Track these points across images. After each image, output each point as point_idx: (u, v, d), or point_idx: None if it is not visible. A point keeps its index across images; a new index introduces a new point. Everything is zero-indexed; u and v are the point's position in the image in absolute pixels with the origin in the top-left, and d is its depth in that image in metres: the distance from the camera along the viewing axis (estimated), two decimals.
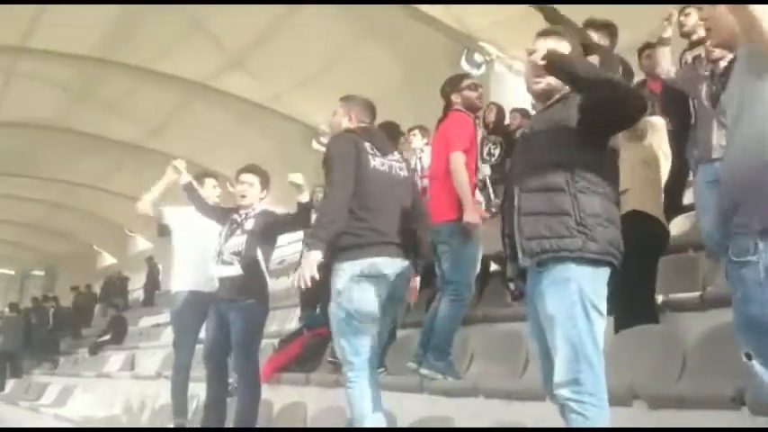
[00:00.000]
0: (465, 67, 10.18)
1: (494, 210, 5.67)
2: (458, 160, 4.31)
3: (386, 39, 10.68)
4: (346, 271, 3.39)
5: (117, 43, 11.77)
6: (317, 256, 3.21)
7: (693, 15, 4.68)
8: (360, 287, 3.41)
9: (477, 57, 10.49)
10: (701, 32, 4.38)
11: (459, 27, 10.28)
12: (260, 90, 12.75)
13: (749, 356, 2.05)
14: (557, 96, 2.71)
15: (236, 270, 4.63)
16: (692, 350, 3.30)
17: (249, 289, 4.65)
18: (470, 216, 4.25)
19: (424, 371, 4.30)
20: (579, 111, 2.57)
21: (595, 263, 2.51)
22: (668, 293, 4.09)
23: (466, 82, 4.67)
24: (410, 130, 6.20)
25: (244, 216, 4.82)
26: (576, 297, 2.46)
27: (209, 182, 5.63)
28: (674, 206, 5.34)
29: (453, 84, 4.66)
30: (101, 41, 11.72)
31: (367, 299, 3.42)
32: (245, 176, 4.89)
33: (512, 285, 2.81)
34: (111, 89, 13.41)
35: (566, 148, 2.55)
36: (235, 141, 13.93)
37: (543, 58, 2.57)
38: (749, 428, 2.27)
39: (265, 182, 4.94)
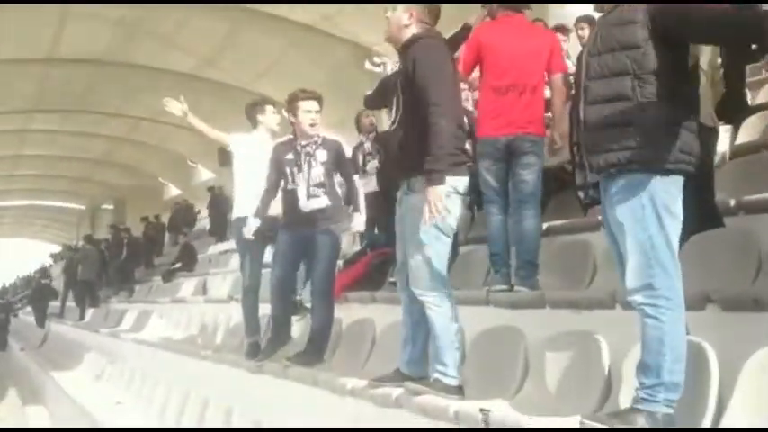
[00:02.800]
0: None
1: None
2: None
3: None
4: (444, 189, 3.29)
5: None
6: (442, 189, 3.18)
7: None
8: (456, 204, 3.39)
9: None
10: None
11: None
12: (309, 12, 12.55)
13: None
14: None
15: (324, 202, 4.86)
16: (767, 252, 3.20)
17: (335, 216, 4.92)
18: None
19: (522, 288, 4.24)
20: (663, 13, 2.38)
21: (666, 172, 2.42)
22: (741, 195, 3.95)
23: None
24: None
25: (314, 147, 4.89)
26: (646, 200, 2.40)
27: (269, 108, 5.65)
28: (741, 107, 5.11)
29: None
30: None
31: (457, 216, 3.45)
32: (311, 104, 4.91)
33: (581, 194, 2.73)
34: (162, 22, 13.44)
35: (632, 52, 2.41)
36: (286, 67, 13.84)
37: None
38: (752, 428, 2.22)
39: (321, 107, 4.99)
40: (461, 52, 4.44)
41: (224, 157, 5.80)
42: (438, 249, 3.38)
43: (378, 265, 6.02)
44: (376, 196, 6.39)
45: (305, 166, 4.86)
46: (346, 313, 5.35)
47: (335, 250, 4.98)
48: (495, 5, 4.46)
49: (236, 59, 14.49)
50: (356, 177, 5.33)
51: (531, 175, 4.34)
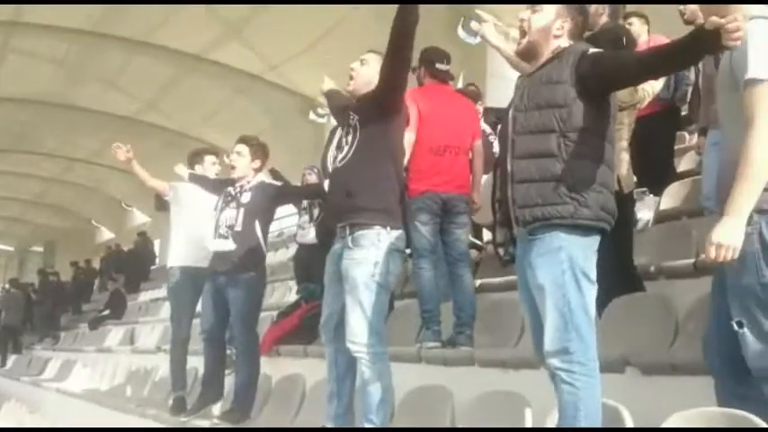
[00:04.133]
0: (461, 35, 10.08)
1: None
2: None
3: (377, 7, 10.57)
4: (385, 241, 3.32)
5: (111, 16, 11.62)
6: None
7: None
8: (397, 260, 3.41)
9: (474, 25, 10.38)
10: None
11: None
12: (256, 61, 12.64)
13: (740, 324, 2.08)
14: (548, 55, 2.64)
15: (228, 245, 4.62)
16: (685, 317, 3.32)
17: (247, 263, 4.65)
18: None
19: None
20: (593, 69, 2.49)
21: (587, 230, 2.50)
22: (662, 261, 4.11)
23: None
24: None
25: (239, 189, 4.79)
26: (566, 266, 2.46)
27: (209, 159, 5.60)
28: (667, 174, 5.36)
29: None
30: (95, 14, 11.59)
31: (397, 273, 3.47)
32: (236, 147, 4.85)
33: (501, 251, 2.79)
34: (106, 63, 13.28)
35: (558, 110, 2.50)
36: (230, 114, 13.84)
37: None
38: (755, 428, 2.29)
39: (258, 152, 4.86)
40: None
41: (160, 202, 5.70)
42: (378, 306, 3.37)
43: (312, 319, 5.96)
44: (313, 248, 6.39)
45: (221, 206, 4.77)
46: (277, 368, 5.27)
47: (252, 300, 4.74)
48: (422, 72, 4.63)
49: (178, 104, 14.41)
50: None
51: (465, 234, 4.54)
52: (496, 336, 4.32)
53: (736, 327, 2.09)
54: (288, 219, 11.07)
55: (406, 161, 4.09)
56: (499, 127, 3.06)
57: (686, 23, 4.79)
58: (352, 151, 3.41)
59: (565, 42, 2.66)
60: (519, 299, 2.79)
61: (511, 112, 2.62)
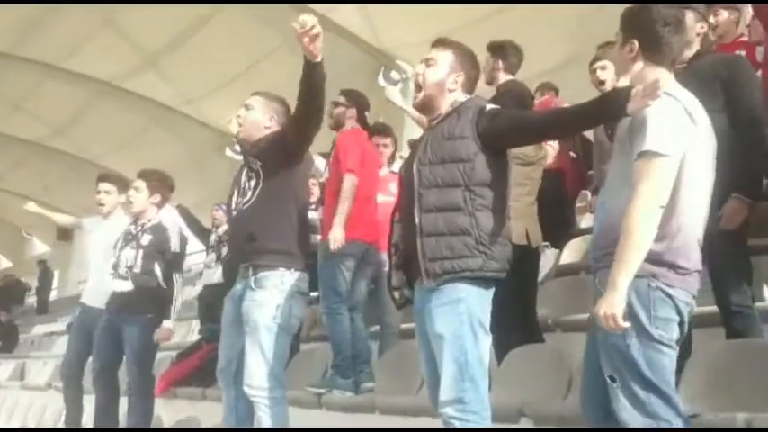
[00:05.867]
0: (382, 83, 10.32)
1: None
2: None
3: (301, 53, 10.65)
4: (288, 283, 3.29)
5: (23, 38, 11.29)
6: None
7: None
8: (300, 303, 3.38)
9: (394, 74, 10.67)
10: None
11: (377, 44, 10.40)
12: (172, 93, 12.48)
13: (613, 379, 2.17)
14: (448, 109, 2.70)
15: (126, 286, 4.49)
16: (579, 370, 3.41)
17: (145, 304, 4.50)
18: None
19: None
20: (492, 125, 2.56)
21: (488, 281, 2.56)
22: (560, 314, 4.24)
23: None
24: None
25: (140, 228, 4.64)
26: (465, 317, 2.50)
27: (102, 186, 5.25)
28: (567, 230, 5.55)
29: None
30: (6, 35, 11.21)
31: (300, 316, 3.44)
32: (135, 182, 4.70)
33: (396, 294, 2.83)
34: (16, 85, 12.83)
35: (462, 165, 2.56)
36: (143, 144, 13.55)
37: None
38: (755, 429, 2.36)
39: (157, 187, 4.69)
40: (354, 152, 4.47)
41: (62, 232, 5.48)
42: (278, 349, 3.31)
43: (213, 361, 5.79)
44: (218, 287, 6.25)
45: (121, 245, 4.63)
46: (172, 411, 5.08)
47: (146, 340, 4.54)
48: (346, 113, 4.55)
49: (88, 131, 14.00)
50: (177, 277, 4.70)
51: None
52: (398, 383, 4.32)
53: (609, 381, 2.17)
54: (195, 256, 10.81)
55: (347, 207, 4.14)
56: (399, 176, 3.08)
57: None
58: (255, 195, 3.38)
59: (461, 96, 2.73)
60: (417, 347, 2.81)
61: (415, 166, 2.66)
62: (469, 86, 2.77)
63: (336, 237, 4.12)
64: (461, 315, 2.50)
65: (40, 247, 20.07)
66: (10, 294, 17.29)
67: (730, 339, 3.05)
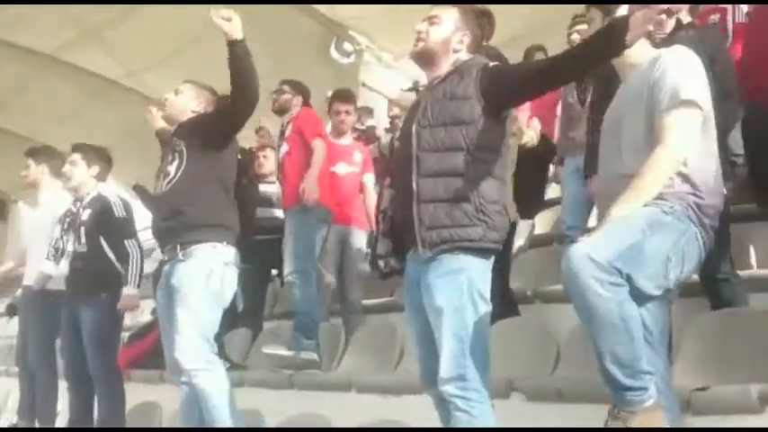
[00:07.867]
0: (334, 55, 10.04)
1: None
2: None
3: (253, 22, 10.30)
4: (221, 253, 3.21)
5: None
6: None
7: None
8: (233, 276, 3.27)
9: (347, 45, 10.39)
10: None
11: (330, 14, 10.11)
12: (114, 67, 11.98)
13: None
14: (447, 68, 2.55)
15: (75, 265, 4.28)
16: (565, 341, 3.33)
17: (96, 283, 4.25)
18: None
19: None
20: (496, 81, 2.42)
21: (488, 252, 2.43)
22: (537, 285, 4.16)
23: None
24: None
25: (80, 205, 4.38)
26: (465, 288, 2.38)
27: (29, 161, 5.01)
28: (538, 201, 5.49)
29: None
30: None
31: (233, 288, 3.33)
32: (70, 156, 4.44)
33: (382, 263, 2.67)
34: None
35: (465, 127, 2.41)
36: (84, 118, 12.99)
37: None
38: (759, 429, 2.29)
39: (95, 158, 4.47)
40: None
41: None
42: (210, 317, 3.18)
43: None
44: None
45: (65, 227, 4.43)
46: (129, 396, 4.80)
47: (101, 324, 4.26)
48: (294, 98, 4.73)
49: (27, 105, 13.34)
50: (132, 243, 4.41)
51: None
52: (374, 360, 4.19)
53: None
54: (147, 231, 10.44)
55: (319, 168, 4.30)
56: (390, 140, 2.94)
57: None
58: (179, 175, 3.27)
59: (464, 56, 2.58)
60: (407, 321, 2.66)
61: (414, 128, 2.49)
62: (475, 47, 2.62)
63: (311, 187, 4.16)
64: (462, 287, 2.37)
65: None
66: None
67: (716, 309, 3.01)
